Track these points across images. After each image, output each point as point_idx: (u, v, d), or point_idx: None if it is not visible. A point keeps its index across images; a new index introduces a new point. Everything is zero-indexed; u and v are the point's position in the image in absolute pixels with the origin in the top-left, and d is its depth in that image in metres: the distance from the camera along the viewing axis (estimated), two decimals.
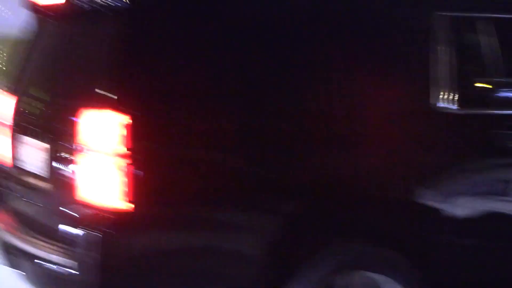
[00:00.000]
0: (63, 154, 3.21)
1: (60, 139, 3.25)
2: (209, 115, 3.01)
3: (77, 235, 2.95)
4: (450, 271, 3.36)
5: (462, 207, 3.31)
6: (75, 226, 3.00)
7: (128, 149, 2.87)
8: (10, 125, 3.79)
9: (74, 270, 2.95)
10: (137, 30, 2.99)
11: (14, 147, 3.71)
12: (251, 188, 3.04)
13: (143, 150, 2.91)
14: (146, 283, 2.99)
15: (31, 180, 3.50)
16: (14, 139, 3.72)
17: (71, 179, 3.13)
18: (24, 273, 3.46)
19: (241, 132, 3.06)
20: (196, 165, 3.01)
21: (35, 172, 3.44)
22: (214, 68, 3.06)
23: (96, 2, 3.11)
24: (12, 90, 3.85)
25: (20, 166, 3.62)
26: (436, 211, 3.26)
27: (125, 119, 2.86)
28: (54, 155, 3.28)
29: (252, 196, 3.04)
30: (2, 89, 3.95)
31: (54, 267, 3.06)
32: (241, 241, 3.02)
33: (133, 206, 2.88)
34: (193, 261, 3.01)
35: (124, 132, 2.86)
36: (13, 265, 3.56)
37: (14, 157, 3.70)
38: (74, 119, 3.06)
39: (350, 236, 3.21)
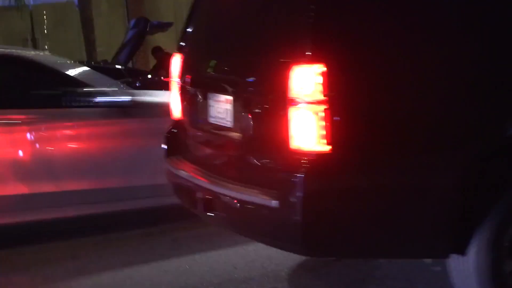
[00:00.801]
0: (255, 106, 3.49)
1: (251, 92, 3.54)
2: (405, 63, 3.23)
3: (280, 177, 3.22)
4: None
5: None
6: (276, 169, 3.28)
7: (325, 96, 3.09)
8: (193, 83, 4.10)
9: (276, 209, 3.22)
10: None
11: (202, 105, 4.01)
12: (445, 133, 3.23)
13: (339, 97, 3.13)
14: (342, 219, 3.24)
15: (221, 132, 3.80)
16: (202, 97, 4.03)
17: (265, 127, 3.41)
18: (213, 215, 3.77)
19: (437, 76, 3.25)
20: (388, 110, 3.22)
21: (224, 124, 3.74)
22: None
23: None
24: (196, 52, 4.16)
25: (210, 121, 3.93)
26: None
27: (321, 69, 3.08)
28: (243, 108, 3.57)
29: (447, 139, 3.23)
30: (181, 51, 4.23)
31: (255, 207, 3.35)
32: (438, 181, 3.22)
33: (331, 147, 3.12)
34: (386, 200, 3.24)
35: (321, 81, 3.08)
36: (203, 215, 3.89)
37: (203, 113, 4.00)
38: (260, 74, 3.39)
39: None
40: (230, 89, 3.70)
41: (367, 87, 3.20)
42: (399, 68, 3.24)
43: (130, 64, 12.70)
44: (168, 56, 12.19)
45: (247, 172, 3.59)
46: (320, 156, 3.14)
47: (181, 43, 4.31)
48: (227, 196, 3.56)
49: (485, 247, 3.23)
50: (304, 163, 3.14)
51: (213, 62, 3.93)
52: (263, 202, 3.30)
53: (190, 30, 4.29)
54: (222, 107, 3.75)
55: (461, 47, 3.31)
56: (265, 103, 3.42)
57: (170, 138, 4.39)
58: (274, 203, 3.22)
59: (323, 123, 3.11)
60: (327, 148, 3.12)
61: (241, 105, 3.58)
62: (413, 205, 3.25)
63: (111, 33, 14.34)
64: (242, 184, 3.51)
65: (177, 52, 4.28)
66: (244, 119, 3.55)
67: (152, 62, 12.88)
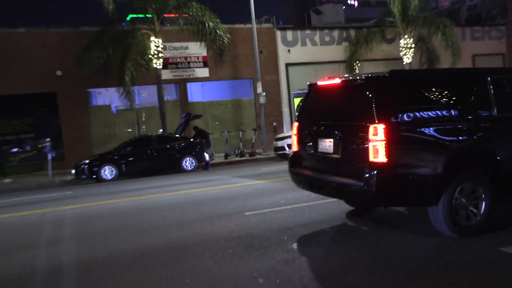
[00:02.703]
0: (347, 143, 7.81)
1: (346, 136, 7.86)
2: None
3: (364, 173, 7.43)
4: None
5: None
6: (361, 170, 7.49)
7: (384, 137, 7.37)
8: (305, 134, 8.53)
9: (362, 186, 7.42)
10: (387, 88, 7.55)
11: (314, 144, 8.39)
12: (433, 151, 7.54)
13: (391, 138, 7.39)
14: (393, 189, 7.41)
15: (326, 155, 8.14)
16: (314, 140, 8.40)
17: (354, 152, 7.71)
18: (323, 191, 8.09)
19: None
20: (411, 144, 7.50)
21: (328, 151, 8.09)
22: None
23: (362, 79, 7.75)
24: (307, 120, 8.64)
25: (319, 151, 8.31)
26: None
27: (382, 126, 7.37)
28: (340, 143, 7.90)
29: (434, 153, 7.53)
30: (297, 121, 8.81)
31: (351, 186, 7.56)
32: (434, 166, 7.46)
33: (387, 160, 7.36)
34: (410, 179, 7.42)
35: (383, 131, 7.37)
36: (316, 190, 8.21)
37: (315, 148, 8.40)
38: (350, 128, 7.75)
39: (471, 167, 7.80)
40: (332, 135, 8.06)
41: (402, 135, 7.49)
42: (418, 130, 7.55)
43: (183, 134, 24.13)
44: (201, 130, 24.43)
45: (342, 173, 7.84)
46: (383, 163, 7.38)
47: (297, 118, 8.86)
48: (333, 182, 7.83)
49: (446, 203, 7.51)
50: (375, 166, 7.38)
51: (319, 124, 8.38)
52: (356, 184, 7.52)
53: (303, 110, 8.82)
54: (327, 144, 8.11)
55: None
56: (354, 141, 7.70)
57: (292, 159, 8.87)
58: (361, 184, 7.45)
59: (384, 149, 7.37)
60: (386, 160, 7.37)
61: (338, 143, 7.92)
62: (422, 182, 7.47)
63: (173, 120, 27.43)
64: (341, 176, 7.80)
65: (295, 122, 8.85)
66: (341, 149, 7.87)
67: (193, 133, 24.68)
